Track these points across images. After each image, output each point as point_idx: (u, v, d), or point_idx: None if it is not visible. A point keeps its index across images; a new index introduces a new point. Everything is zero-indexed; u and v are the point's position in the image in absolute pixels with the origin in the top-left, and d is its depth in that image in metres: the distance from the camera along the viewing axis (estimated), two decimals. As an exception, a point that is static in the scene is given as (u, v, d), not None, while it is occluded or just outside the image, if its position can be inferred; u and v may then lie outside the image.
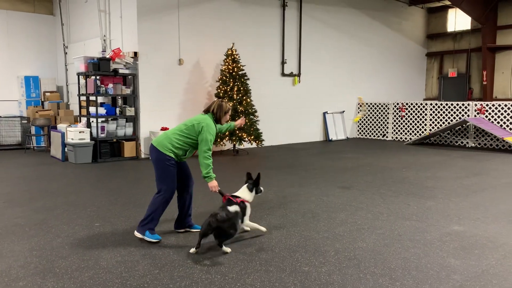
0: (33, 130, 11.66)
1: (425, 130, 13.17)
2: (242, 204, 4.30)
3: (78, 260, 3.90)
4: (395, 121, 14.04)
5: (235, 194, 4.39)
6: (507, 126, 11.49)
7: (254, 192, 4.50)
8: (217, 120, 4.49)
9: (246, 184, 4.50)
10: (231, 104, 4.67)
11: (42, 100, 12.65)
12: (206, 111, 4.49)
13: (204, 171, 4.25)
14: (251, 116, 10.53)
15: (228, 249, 4.09)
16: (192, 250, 4.06)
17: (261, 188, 4.60)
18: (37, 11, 13.12)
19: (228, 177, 7.76)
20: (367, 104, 14.67)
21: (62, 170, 8.55)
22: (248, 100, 10.48)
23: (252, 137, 10.50)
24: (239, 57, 10.59)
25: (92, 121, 9.86)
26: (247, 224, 4.42)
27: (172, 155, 4.31)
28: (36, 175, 8.06)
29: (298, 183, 7.24)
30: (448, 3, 15.86)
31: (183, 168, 4.56)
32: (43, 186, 7.07)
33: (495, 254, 4.04)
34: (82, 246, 4.27)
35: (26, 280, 3.50)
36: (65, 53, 12.99)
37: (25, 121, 11.93)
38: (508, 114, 11.48)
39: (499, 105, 11.66)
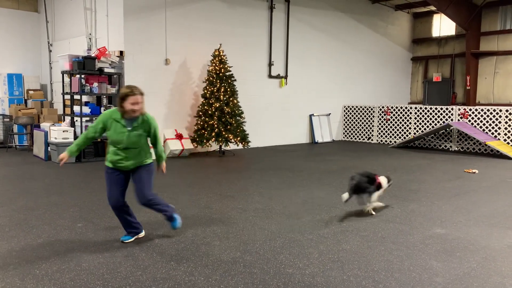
0: (15, 128, 11.45)
1: (410, 133, 13.32)
2: (379, 185, 5.47)
3: (59, 262, 3.83)
4: (380, 124, 14.17)
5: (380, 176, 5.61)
6: (490, 130, 11.69)
7: (388, 183, 5.73)
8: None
9: (386, 176, 5.75)
10: (128, 90, 4.03)
11: (25, 98, 12.45)
12: None
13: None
14: (237, 118, 10.52)
15: (373, 212, 5.34)
16: (344, 196, 5.17)
17: (391, 182, 5.85)
18: (21, 8, 12.92)
19: (213, 176, 7.73)
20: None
21: (45, 170, 8.42)
22: (235, 101, 10.47)
23: (239, 138, 10.49)
24: (226, 58, 10.57)
25: (76, 120, 9.74)
26: (374, 199, 5.41)
27: (106, 162, 4.27)
28: (18, 174, 7.92)
29: (284, 184, 7.24)
30: (434, 8, 16.09)
31: (132, 176, 4.29)
32: (25, 185, 6.95)
33: (476, 257, 4.09)
34: (64, 247, 4.20)
35: (4, 281, 3.43)
36: (50, 51, 12.82)
37: (8, 119, 11.71)
38: (491, 119, 11.67)
39: (482, 110, 11.85)
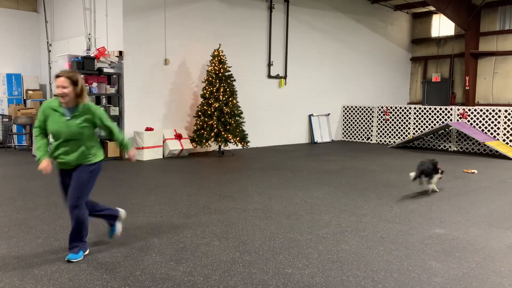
0: (14, 128, 11.45)
1: (409, 133, 13.32)
2: (439, 170, 6.71)
3: (58, 262, 3.83)
4: (379, 124, 14.18)
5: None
6: (489, 131, 11.70)
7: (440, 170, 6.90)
8: None
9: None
10: (57, 73, 3.80)
11: (25, 98, 12.44)
12: None
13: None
14: (237, 118, 10.52)
15: (436, 189, 6.75)
16: (412, 175, 6.54)
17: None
18: (21, 8, 12.90)
19: (212, 176, 7.73)
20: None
21: (44, 170, 8.40)
22: (234, 101, 10.47)
23: (238, 138, 10.49)
24: (225, 58, 10.57)
25: (76, 120, 9.72)
26: (435, 181, 6.68)
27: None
28: (17, 174, 7.91)
29: (283, 185, 7.25)
30: (433, 9, 16.10)
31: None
32: (24, 185, 6.95)
33: (475, 257, 4.10)
34: (63, 247, 4.20)
35: (3, 282, 3.43)
36: (49, 51, 12.80)
37: (7, 120, 11.71)
38: (490, 119, 11.68)
39: (481, 110, 11.85)
